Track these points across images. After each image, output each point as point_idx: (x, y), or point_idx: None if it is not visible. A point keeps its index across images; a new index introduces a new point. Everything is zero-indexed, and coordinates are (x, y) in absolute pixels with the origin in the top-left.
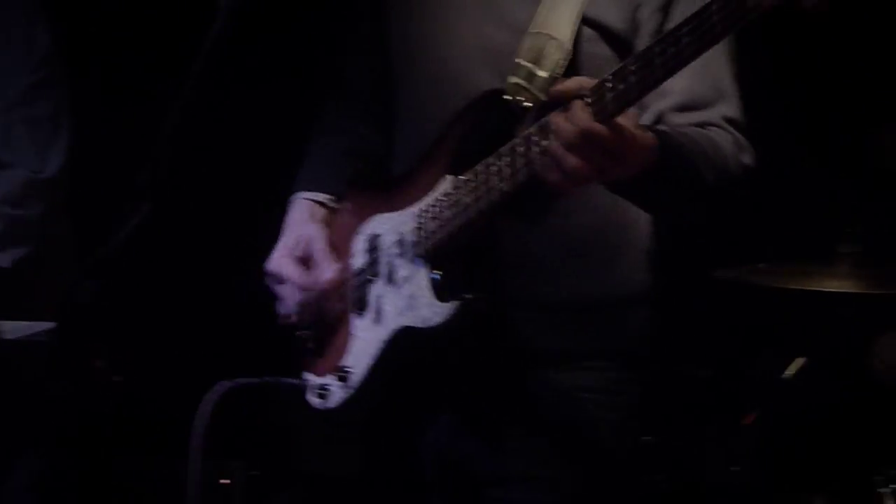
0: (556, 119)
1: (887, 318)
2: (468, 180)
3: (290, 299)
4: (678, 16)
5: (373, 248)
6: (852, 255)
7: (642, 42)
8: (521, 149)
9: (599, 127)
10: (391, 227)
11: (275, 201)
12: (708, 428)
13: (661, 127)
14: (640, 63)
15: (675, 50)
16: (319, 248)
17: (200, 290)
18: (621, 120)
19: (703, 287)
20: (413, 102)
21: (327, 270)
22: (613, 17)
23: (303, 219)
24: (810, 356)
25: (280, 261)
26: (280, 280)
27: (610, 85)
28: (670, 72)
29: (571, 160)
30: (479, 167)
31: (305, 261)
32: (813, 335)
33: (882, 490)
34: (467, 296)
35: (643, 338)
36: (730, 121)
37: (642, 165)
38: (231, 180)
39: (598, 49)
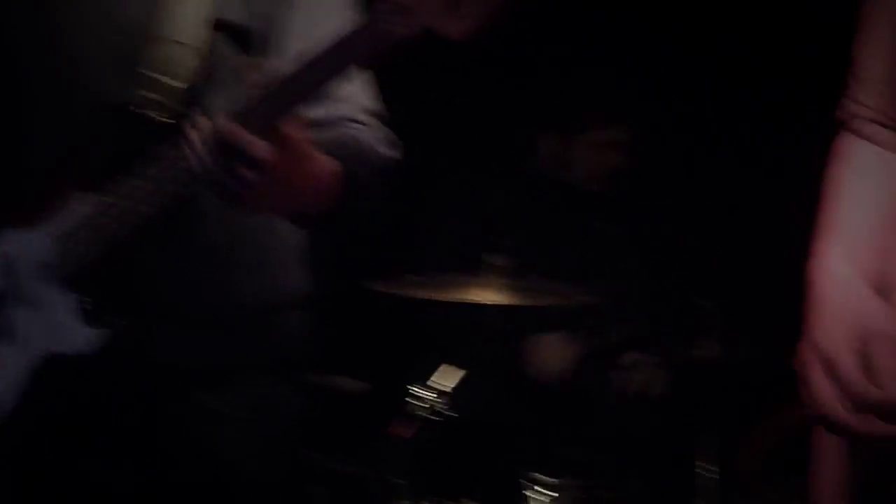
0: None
1: (538, 326)
2: (112, 203)
3: None
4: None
5: (6, 269)
6: (502, 266)
7: (274, 37)
8: (167, 169)
9: (245, 134)
10: (26, 247)
11: None
12: (367, 440)
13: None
14: (289, 78)
15: (320, 71)
16: None
17: None
18: (289, 131)
19: (357, 299)
20: (33, 114)
21: None
22: (238, 15)
23: None
24: (466, 366)
25: None
26: None
27: (258, 99)
28: (316, 86)
29: (216, 168)
30: (122, 188)
31: None
32: (467, 345)
33: (528, 493)
34: (115, 320)
35: (297, 348)
36: (370, 113)
37: (326, 192)
38: None
39: (228, 51)
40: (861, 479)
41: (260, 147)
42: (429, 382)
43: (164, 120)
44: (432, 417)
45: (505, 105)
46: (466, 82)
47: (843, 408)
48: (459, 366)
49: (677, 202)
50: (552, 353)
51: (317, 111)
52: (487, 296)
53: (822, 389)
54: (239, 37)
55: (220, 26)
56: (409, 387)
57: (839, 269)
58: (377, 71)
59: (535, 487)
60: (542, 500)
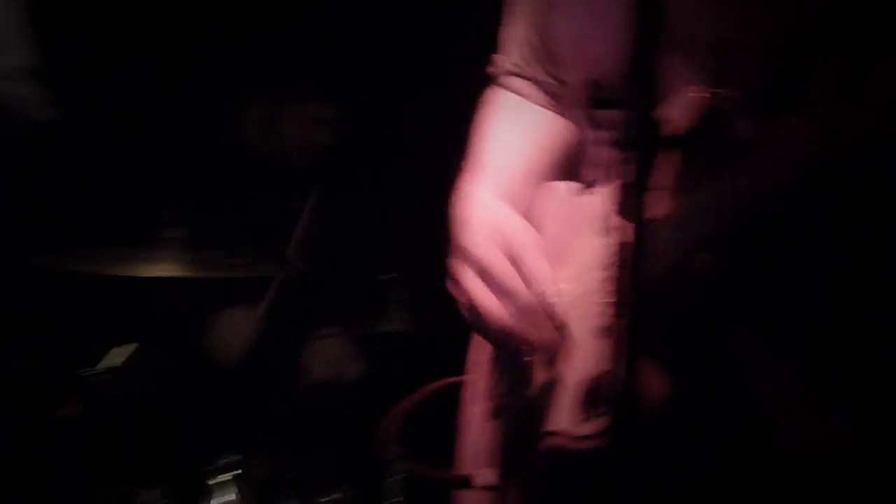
0: None
1: (216, 301)
2: None
3: None
4: None
5: None
6: (176, 239)
7: None
8: None
9: None
10: None
11: None
12: (37, 422)
13: None
14: None
15: None
16: None
17: None
18: None
19: (19, 275)
20: None
21: None
22: None
23: None
24: (140, 343)
25: None
26: None
27: None
28: None
29: None
30: None
31: None
32: (143, 321)
33: (212, 481)
34: None
35: None
36: (23, 69)
37: None
38: None
39: None
40: (499, 442)
41: None
42: (102, 360)
43: None
44: (104, 396)
45: (208, 70)
46: (167, 41)
47: (497, 308)
48: (131, 341)
49: (368, 178)
50: (233, 327)
51: None
52: (161, 269)
53: (478, 293)
54: None
55: None
56: (78, 365)
57: (483, 196)
58: (43, 25)
59: (217, 468)
60: (223, 481)
